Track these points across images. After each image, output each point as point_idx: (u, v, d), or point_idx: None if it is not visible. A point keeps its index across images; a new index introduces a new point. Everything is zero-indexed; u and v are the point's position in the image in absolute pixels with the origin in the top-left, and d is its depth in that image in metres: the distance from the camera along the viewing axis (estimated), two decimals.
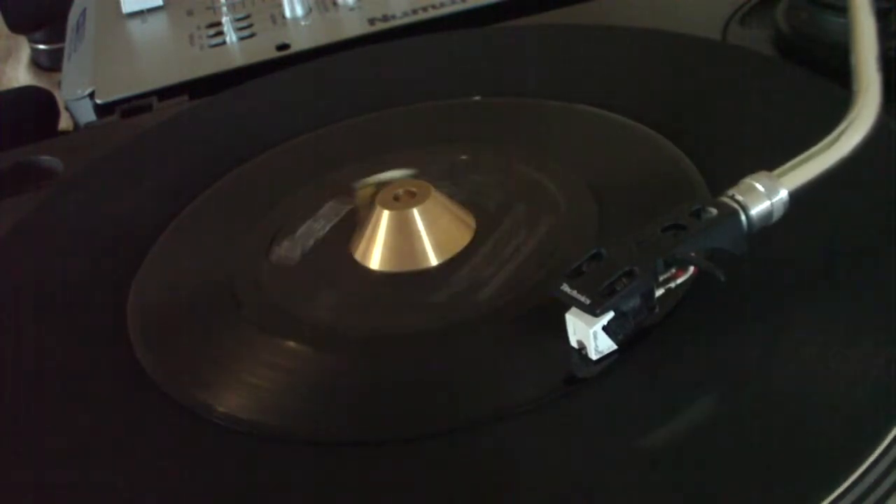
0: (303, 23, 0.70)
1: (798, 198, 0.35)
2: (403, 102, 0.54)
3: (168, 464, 0.35)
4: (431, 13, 0.67)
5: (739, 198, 0.35)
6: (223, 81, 0.63)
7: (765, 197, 0.35)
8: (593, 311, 0.33)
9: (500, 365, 0.36)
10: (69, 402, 0.38)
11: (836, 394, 0.32)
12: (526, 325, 0.37)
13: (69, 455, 0.36)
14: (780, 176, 0.36)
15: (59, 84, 0.75)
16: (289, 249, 0.44)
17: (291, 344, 0.39)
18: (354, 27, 0.68)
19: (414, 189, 0.43)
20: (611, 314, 0.34)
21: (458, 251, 0.41)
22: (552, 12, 0.64)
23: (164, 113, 0.60)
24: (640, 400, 0.34)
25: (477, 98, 0.54)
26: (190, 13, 0.75)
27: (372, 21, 0.68)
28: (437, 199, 0.42)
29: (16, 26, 1.02)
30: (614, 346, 0.34)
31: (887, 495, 0.29)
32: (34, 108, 0.78)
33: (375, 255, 0.42)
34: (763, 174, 0.35)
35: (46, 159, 0.58)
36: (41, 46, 1.09)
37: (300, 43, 0.67)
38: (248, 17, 0.72)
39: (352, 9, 0.70)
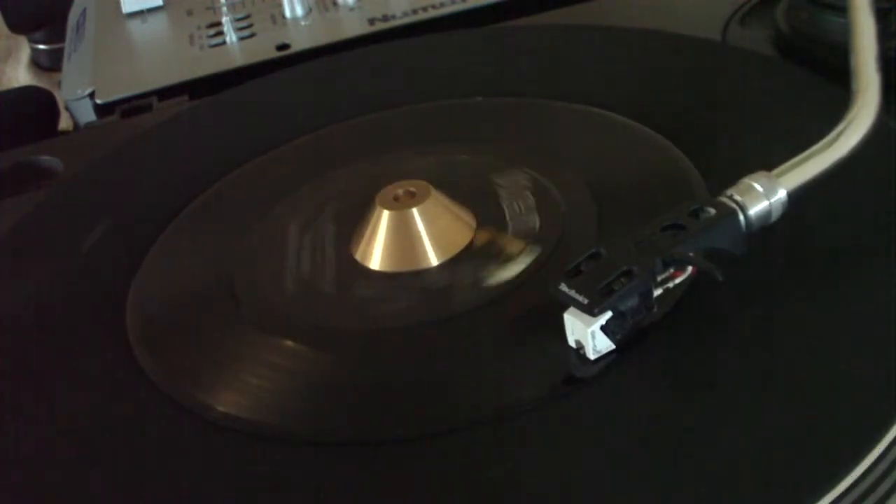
0: (303, 23, 0.70)
1: (797, 198, 0.35)
2: (403, 102, 0.54)
3: (168, 464, 0.35)
4: (431, 13, 0.67)
5: (738, 198, 0.35)
6: (223, 81, 0.63)
7: (763, 197, 0.35)
8: (591, 310, 0.33)
9: (500, 365, 0.36)
10: (69, 402, 0.38)
11: (836, 394, 0.32)
12: (525, 325, 0.37)
13: (69, 455, 0.36)
14: (778, 176, 0.36)
15: (59, 84, 0.75)
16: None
17: (291, 344, 0.39)
18: (354, 27, 0.68)
19: (414, 189, 0.43)
20: (609, 314, 0.34)
21: (458, 251, 0.41)
22: (552, 12, 0.64)
23: (164, 113, 0.60)
24: (638, 400, 0.34)
25: (477, 98, 0.54)
26: (190, 13, 0.75)
27: (372, 21, 0.68)
28: (437, 199, 0.42)
29: (16, 26, 1.02)
30: (612, 346, 0.34)
31: (887, 495, 0.29)
32: (34, 108, 0.78)
33: (375, 255, 0.42)
34: (762, 174, 0.35)
35: (46, 159, 0.58)
36: (41, 46, 1.09)
37: (300, 43, 0.67)
38: (248, 17, 0.72)
39: (352, 9, 0.70)
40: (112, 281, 0.44)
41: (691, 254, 0.34)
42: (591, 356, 0.34)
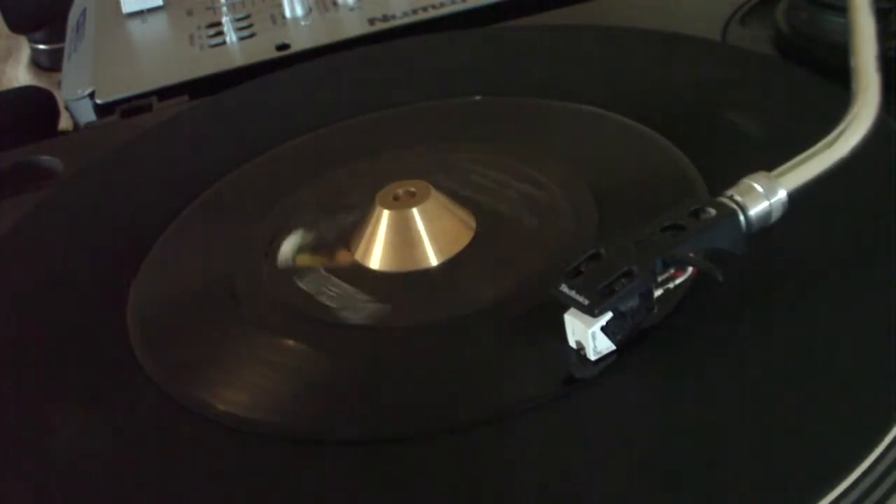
0: (303, 23, 0.70)
1: (797, 198, 0.35)
2: (403, 102, 0.54)
3: (168, 463, 0.35)
4: (431, 13, 0.67)
5: (738, 198, 0.35)
6: (223, 81, 0.63)
7: (763, 197, 0.35)
8: (592, 311, 0.33)
9: (500, 365, 0.36)
10: (69, 402, 0.38)
11: (836, 393, 0.32)
12: (525, 326, 0.37)
13: (69, 455, 0.36)
14: (778, 176, 0.36)
15: (59, 84, 0.75)
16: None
17: (291, 343, 0.39)
18: (354, 27, 0.68)
19: (414, 189, 0.43)
20: (609, 315, 0.34)
21: (458, 251, 0.41)
22: (552, 12, 0.64)
23: (164, 113, 0.60)
24: (638, 400, 0.34)
25: (477, 98, 0.54)
26: (190, 13, 0.75)
27: (372, 21, 0.68)
28: (437, 199, 0.42)
29: (16, 26, 1.02)
30: (613, 347, 0.34)
31: (887, 495, 0.29)
32: (34, 108, 0.78)
33: (375, 255, 0.42)
34: (762, 174, 0.35)
35: (46, 159, 0.58)
36: (41, 46, 1.09)
37: (300, 43, 0.67)
38: (248, 17, 0.72)
39: (352, 9, 0.70)
40: (112, 281, 0.44)
41: (691, 254, 0.34)
42: (592, 357, 0.34)
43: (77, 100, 0.65)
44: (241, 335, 0.40)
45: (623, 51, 0.55)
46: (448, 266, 0.41)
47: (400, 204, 0.42)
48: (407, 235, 0.42)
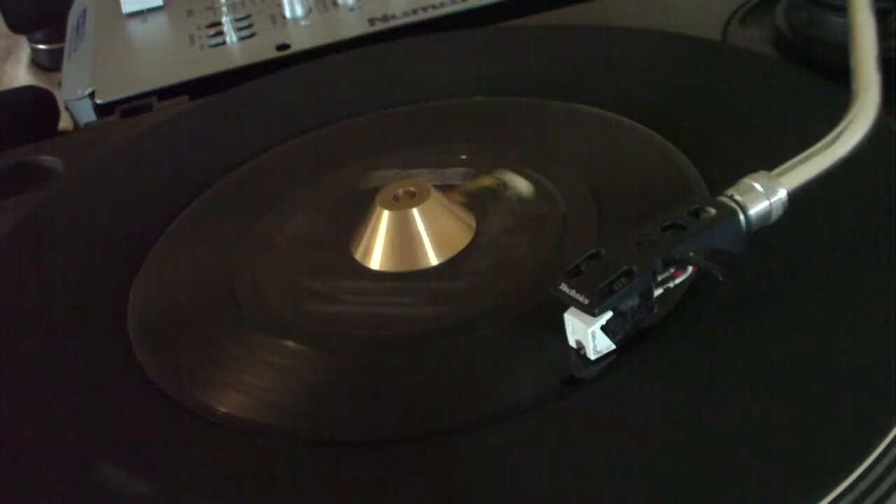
0: (303, 23, 0.70)
1: (797, 198, 0.35)
2: (403, 102, 0.54)
3: (168, 464, 0.35)
4: (431, 13, 0.67)
5: (738, 198, 0.35)
6: (223, 81, 0.63)
7: (763, 197, 0.35)
8: (591, 310, 0.33)
9: (500, 365, 0.36)
10: (69, 402, 0.38)
11: (836, 393, 0.32)
12: (525, 326, 0.37)
13: (69, 455, 0.36)
14: (778, 176, 0.36)
15: (59, 84, 0.75)
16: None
17: (291, 344, 0.39)
18: (354, 27, 0.68)
19: (414, 189, 0.43)
20: (609, 314, 0.34)
21: (458, 251, 0.41)
22: (552, 12, 0.64)
23: (164, 113, 0.60)
24: (638, 400, 0.34)
25: (477, 98, 0.54)
26: (190, 13, 0.75)
27: (372, 21, 0.68)
28: (437, 199, 0.42)
29: (16, 26, 1.02)
30: (613, 346, 0.34)
31: (887, 495, 0.29)
32: (34, 108, 0.78)
33: (375, 255, 0.42)
34: (762, 174, 0.35)
35: (46, 159, 0.58)
36: (41, 46, 1.09)
37: (300, 43, 0.67)
38: (248, 17, 0.72)
39: (352, 9, 0.70)
40: (113, 281, 0.44)
41: (691, 253, 0.34)
42: (592, 356, 0.34)
43: (77, 100, 0.65)
44: (241, 336, 0.40)
45: (623, 51, 0.55)
46: (448, 266, 0.41)
47: (400, 204, 0.42)
48: (407, 235, 0.42)
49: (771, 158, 0.36)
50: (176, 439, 0.36)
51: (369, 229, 0.42)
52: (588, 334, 0.34)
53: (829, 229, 0.38)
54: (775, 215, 0.35)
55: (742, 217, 0.35)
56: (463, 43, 0.60)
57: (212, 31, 0.70)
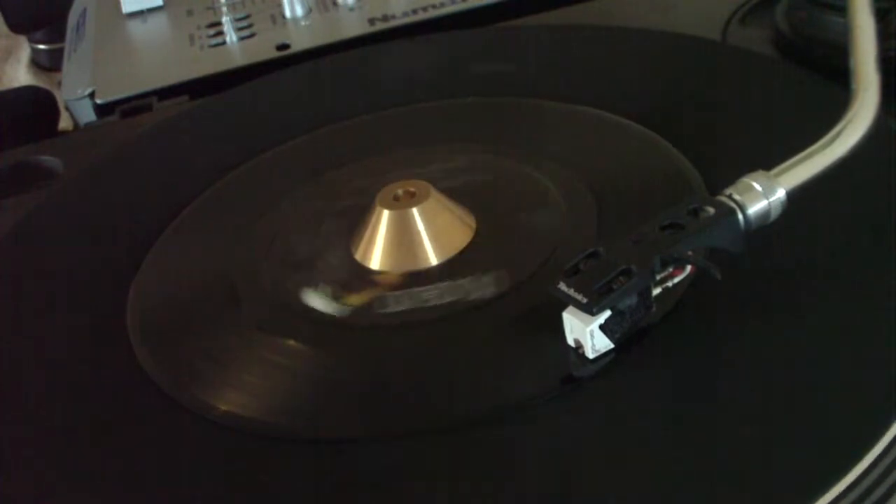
0: (303, 23, 0.70)
1: (796, 197, 0.35)
2: (403, 102, 0.54)
3: (169, 464, 0.35)
4: (431, 13, 0.67)
5: (737, 197, 0.35)
6: (223, 81, 0.63)
7: (762, 196, 0.35)
8: (590, 309, 0.33)
9: (499, 364, 0.36)
10: (69, 402, 0.38)
11: (836, 393, 0.32)
12: (524, 325, 0.37)
13: (69, 455, 0.36)
14: (777, 175, 0.36)
15: (59, 84, 0.75)
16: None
17: (291, 343, 0.39)
18: (354, 27, 0.68)
19: (414, 189, 0.43)
20: (608, 313, 0.34)
21: (458, 251, 0.41)
22: (552, 12, 0.64)
23: (164, 113, 0.60)
24: (636, 399, 0.34)
25: (476, 98, 0.54)
26: (190, 13, 0.75)
27: (372, 21, 0.68)
28: (437, 199, 0.42)
29: (16, 26, 1.02)
30: (611, 345, 0.34)
31: (887, 495, 0.29)
32: (34, 108, 0.78)
33: (375, 254, 0.42)
34: (761, 173, 0.35)
35: (46, 159, 0.58)
36: (41, 46, 1.09)
37: (300, 43, 0.67)
38: (248, 17, 0.72)
39: (352, 9, 0.70)
40: (113, 281, 0.44)
41: (690, 253, 0.34)
42: (590, 355, 0.34)
43: (77, 100, 0.65)
44: (241, 335, 0.40)
45: (623, 51, 0.55)
46: (448, 266, 0.41)
47: (400, 204, 0.42)
48: (407, 235, 0.42)
49: (770, 158, 0.36)
50: (176, 439, 0.36)
51: (369, 229, 0.42)
52: (587, 333, 0.34)
53: (829, 229, 0.38)
54: (774, 215, 0.35)
55: (741, 216, 0.35)
56: (463, 43, 0.60)
57: (212, 31, 0.70)
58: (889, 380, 0.32)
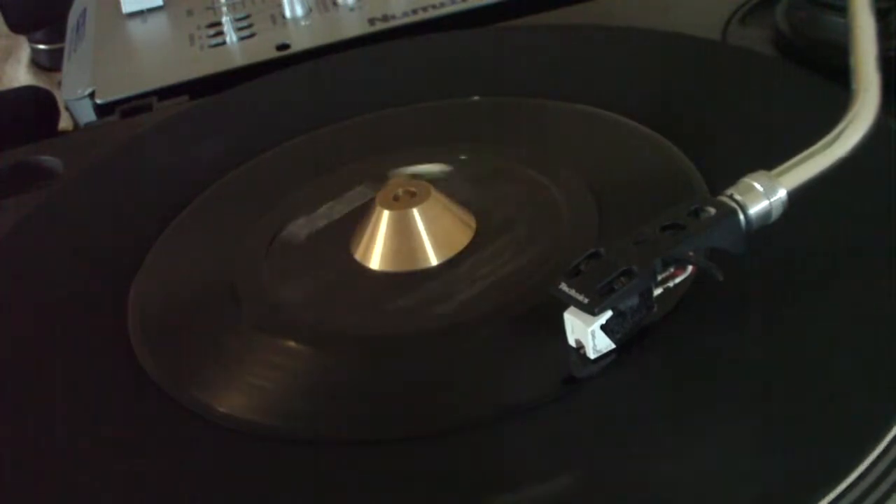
0: (303, 23, 0.70)
1: (796, 197, 0.35)
2: (403, 102, 0.54)
3: (168, 464, 0.35)
4: (431, 13, 0.67)
5: (738, 197, 0.35)
6: (223, 81, 0.63)
7: (763, 196, 0.35)
8: (591, 309, 0.33)
9: (500, 365, 0.36)
10: (69, 402, 0.38)
11: (836, 393, 0.32)
12: (525, 326, 0.37)
13: (69, 455, 0.36)
14: (778, 175, 0.36)
15: (59, 84, 0.75)
16: (300, 227, 0.45)
17: (291, 344, 0.39)
18: (354, 27, 0.68)
19: (414, 189, 0.43)
20: (609, 313, 0.34)
21: (458, 251, 0.41)
22: (552, 12, 0.64)
23: (164, 113, 0.60)
24: (638, 399, 0.34)
25: (477, 98, 0.54)
26: (190, 13, 0.75)
27: (372, 21, 0.68)
28: (437, 199, 0.42)
29: (16, 26, 1.01)
30: (613, 346, 0.34)
31: (887, 495, 0.29)
32: (34, 108, 0.78)
33: (375, 255, 0.42)
34: (762, 174, 0.35)
35: (46, 159, 0.58)
36: (41, 46, 1.09)
37: (300, 43, 0.67)
38: (248, 17, 0.72)
39: (352, 9, 0.70)
40: (113, 281, 0.44)
41: (691, 253, 0.34)
42: (592, 356, 0.34)
43: (77, 100, 0.65)
44: (241, 336, 0.40)
45: (623, 51, 0.55)
46: (448, 266, 0.41)
47: (400, 204, 0.42)
48: (407, 235, 0.42)
49: (771, 158, 0.36)
50: (176, 439, 0.36)
51: (369, 229, 0.42)
52: (588, 333, 0.34)
53: (829, 229, 0.38)
54: (775, 215, 0.35)
55: (742, 217, 0.35)
56: (463, 43, 0.60)
57: (212, 31, 0.70)
58: (889, 380, 0.32)
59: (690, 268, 0.35)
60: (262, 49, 0.67)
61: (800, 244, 0.38)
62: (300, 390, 0.37)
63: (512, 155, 0.47)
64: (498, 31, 0.62)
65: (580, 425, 0.33)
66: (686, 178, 0.43)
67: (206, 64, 0.66)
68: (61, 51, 0.79)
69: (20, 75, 1.08)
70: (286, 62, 0.64)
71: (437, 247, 0.41)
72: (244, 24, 0.70)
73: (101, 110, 0.64)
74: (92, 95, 0.64)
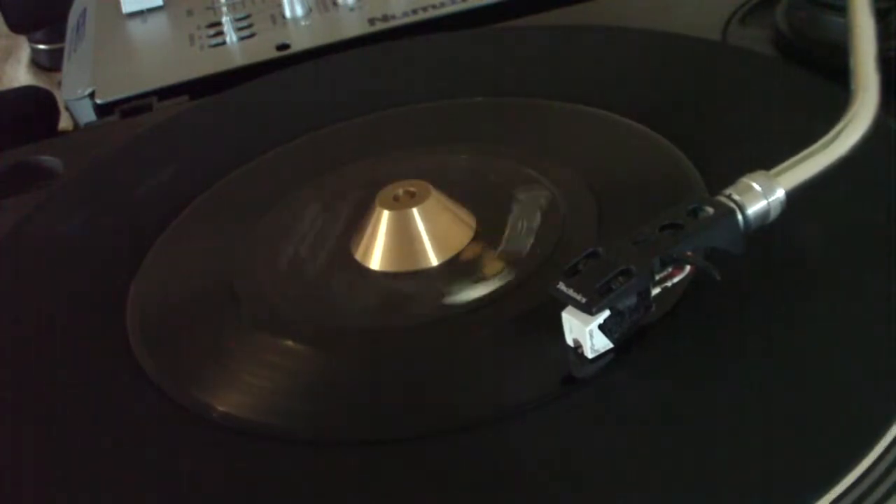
0: (303, 23, 0.70)
1: (795, 197, 0.36)
2: (404, 102, 0.54)
3: (168, 464, 0.35)
4: (431, 13, 0.67)
5: (736, 197, 0.35)
6: (223, 81, 0.63)
7: (761, 196, 0.35)
8: (589, 309, 0.33)
9: (499, 364, 0.36)
10: (69, 402, 0.38)
11: (836, 394, 0.32)
12: (524, 325, 0.37)
13: (69, 455, 0.36)
14: (777, 175, 0.36)
15: (59, 84, 0.75)
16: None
17: (291, 344, 0.39)
18: (354, 27, 0.68)
19: (414, 189, 0.43)
20: (607, 313, 0.34)
21: (458, 251, 0.41)
22: (552, 12, 0.64)
23: (164, 113, 0.60)
24: (636, 399, 0.34)
25: (478, 98, 0.54)
26: (190, 13, 0.75)
27: (372, 21, 0.68)
28: (437, 199, 0.42)
29: (16, 26, 1.02)
30: (611, 345, 0.34)
31: (887, 495, 0.29)
32: (34, 108, 0.78)
33: (375, 255, 0.42)
34: (760, 174, 0.36)
35: (46, 159, 0.58)
36: (41, 46, 1.09)
37: (300, 43, 0.67)
38: (248, 17, 0.72)
39: (352, 9, 0.70)
40: (112, 281, 0.44)
41: (689, 253, 0.34)
42: (590, 355, 0.34)
43: (77, 100, 0.65)
44: (241, 336, 0.40)
45: (623, 51, 0.55)
46: (448, 266, 0.41)
47: (400, 204, 0.42)
48: (407, 235, 0.42)
49: (770, 158, 0.36)
50: (175, 439, 0.36)
51: (369, 229, 0.42)
52: (586, 333, 0.34)
53: (829, 229, 0.38)
54: (773, 215, 0.35)
55: (740, 217, 0.35)
56: (463, 43, 0.60)
57: (212, 31, 0.70)
58: (889, 380, 0.32)
59: (689, 267, 0.35)
60: (262, 49, 0.67)
61: (798, 244, 0.38)
62: (300, 390, 0.37)
63: (511, 155, 0.47)
64: (498, 32, 0.62)
65: (578, 425, 0.33)
66: (685, 178, 0.43)
67: (206, 64, 0.66)
68: (61, 51, 0.79)
69: (20, 75, 1.08)
70: (286, 62, 0.64)
71: (437, 247, 0.41)
72: (244, 24, 0.70)
73: (101, 110, 0.64)
74: (92, 95, 0.64)
